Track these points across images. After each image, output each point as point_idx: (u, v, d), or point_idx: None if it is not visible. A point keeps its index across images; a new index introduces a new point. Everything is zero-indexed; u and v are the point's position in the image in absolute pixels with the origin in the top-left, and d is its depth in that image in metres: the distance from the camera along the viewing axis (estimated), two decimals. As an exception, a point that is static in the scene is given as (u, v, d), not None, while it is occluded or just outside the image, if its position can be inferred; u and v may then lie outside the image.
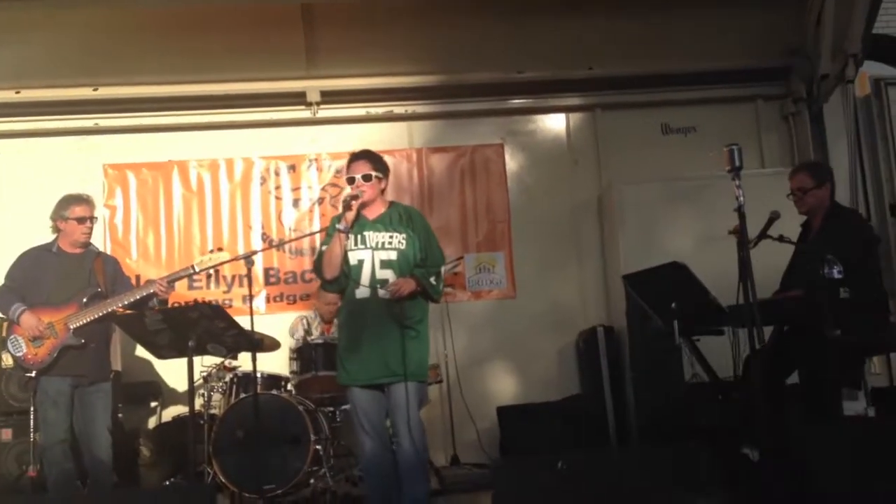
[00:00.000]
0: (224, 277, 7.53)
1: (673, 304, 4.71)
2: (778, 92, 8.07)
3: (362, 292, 4.62)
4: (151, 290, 5.23)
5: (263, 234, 7.73)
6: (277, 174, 7.84)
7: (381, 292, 4.57)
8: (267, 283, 7.65)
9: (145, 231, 7.70)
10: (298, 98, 7.75)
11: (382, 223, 4.73)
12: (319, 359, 6.28)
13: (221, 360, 6.01)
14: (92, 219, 5.47)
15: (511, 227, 7.87)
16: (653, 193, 7.40)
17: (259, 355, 5.14)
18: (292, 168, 7.86)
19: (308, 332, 6.63)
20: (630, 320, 6.73)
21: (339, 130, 7.90)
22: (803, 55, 7.77)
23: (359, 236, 4.66)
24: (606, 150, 8.00)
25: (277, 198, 7.81)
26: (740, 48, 7.83)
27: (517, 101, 8.06)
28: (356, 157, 4.80)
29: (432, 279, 4.68)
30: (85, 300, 5.25)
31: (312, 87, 7.71)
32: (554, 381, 7.56)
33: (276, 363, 6.75)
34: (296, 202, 7.84)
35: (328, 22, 7.40)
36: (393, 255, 4.65)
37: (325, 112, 7.83)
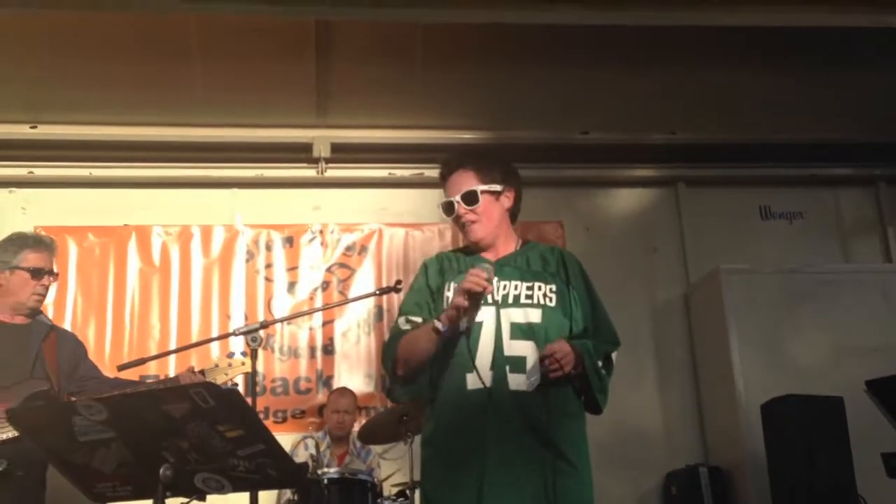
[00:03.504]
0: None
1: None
2: (905, 174, 6.56)
3: (478, 380, 2.63)
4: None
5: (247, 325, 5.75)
6: (269, 248, 6.01)
7: (512, 380, 2.63)
8: (246, 393, 5.60)
9: (85, 317, 5.76)
10: (302, 151, 6.09)
11: (514, 265, 2.82)
12: (334, 502, 4.21)
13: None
14: (52, 274, 3.72)
15: (573, 329, 5.99)
16: (770, 288, 5.78)
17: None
18: (289, 241, 6.02)
19: (316, 460, 4.56)
20: (776, 455, 4.81)
21: (353, 196, 6.21)
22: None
23: None
24: (692, 235, 6.35)
25: (268, 279, 5.94)
26: (858, 119, 6.30)
27: (581, 170, 6.40)
28: (451, 165, 2.91)
29: (600, 363, 2.72)
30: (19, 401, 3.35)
31: (321, 137, 6.07)
32: (635, 541, 5.66)
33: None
34: (292, 286, 5.95)
35: (349, 49, 5.56)
36: (535, 317, 2.70)
37: (336, 171, 6.17)
